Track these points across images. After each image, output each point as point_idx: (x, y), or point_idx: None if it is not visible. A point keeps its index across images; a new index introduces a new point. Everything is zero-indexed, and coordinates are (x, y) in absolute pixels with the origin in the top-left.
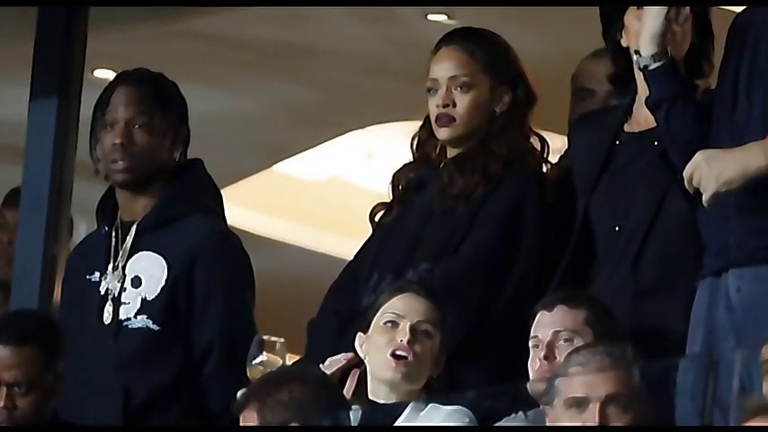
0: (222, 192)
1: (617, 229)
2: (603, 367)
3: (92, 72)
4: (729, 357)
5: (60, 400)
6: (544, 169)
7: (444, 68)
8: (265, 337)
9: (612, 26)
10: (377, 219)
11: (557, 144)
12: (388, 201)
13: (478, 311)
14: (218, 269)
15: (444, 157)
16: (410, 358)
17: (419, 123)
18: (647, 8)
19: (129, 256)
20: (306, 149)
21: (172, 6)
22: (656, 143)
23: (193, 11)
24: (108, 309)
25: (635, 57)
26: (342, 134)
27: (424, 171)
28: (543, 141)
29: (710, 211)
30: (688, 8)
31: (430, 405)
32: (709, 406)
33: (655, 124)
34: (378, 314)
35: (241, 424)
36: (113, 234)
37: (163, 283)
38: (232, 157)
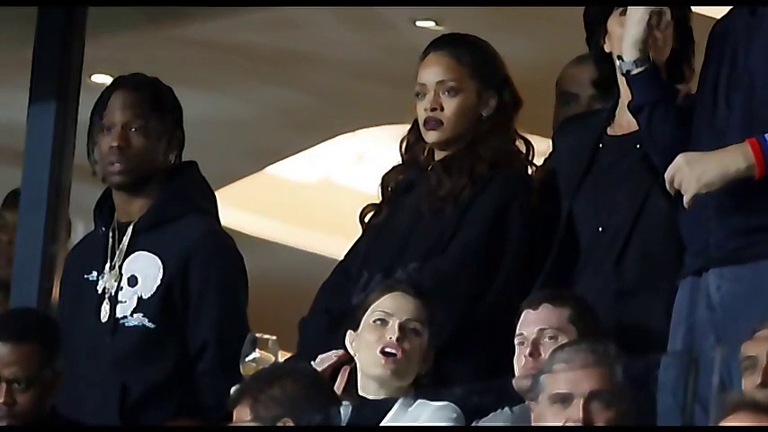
0: (216, 193)
1: (600, 229)
2: (587, 364)
3: (89, 77)
4: (710, 355)
5: (59, 396)
6: (529, 171)
7: (432, 73)
8: (258, 335)
9: (596, 32)
10: (367, 219)
11: (542, 147)
12: (378, 202)
13: (466, 310)
14: (213, 269)
15: (432, 160)
16: (399, 355)
17: (408, 127)
18: (629, 15)
19: (126, 256)
20: (297, 152)
21: (167, 13)
22: (638, 146)
23: (189, 18)
24: (105, 307)
25: (618, 62)
26: (333, 137)
27: (413, 173)
28: (528, 144)
29: (691, 213)
30: (669, 15)
31: (418, 401)
32: (689, 402)
33: (637, 128)
34: (367, 312)
35: (234, 419)
36: (110, 234)
37: (158, 282)
38: (226, 159)
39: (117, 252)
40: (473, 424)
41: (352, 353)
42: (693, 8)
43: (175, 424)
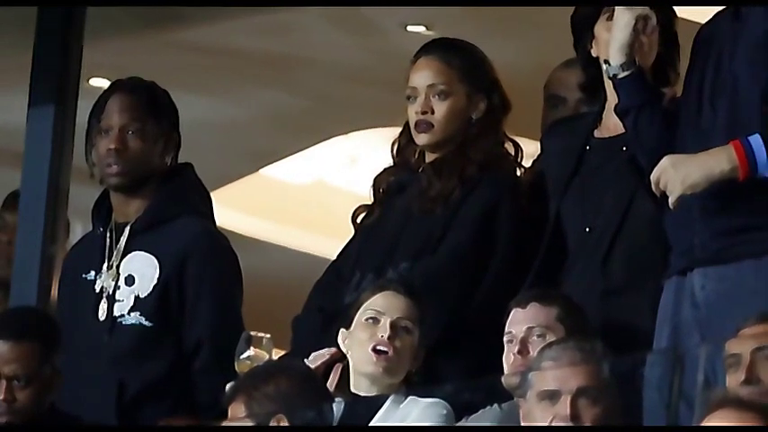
0: (211, 194)
1: (587, 229)
2: (574, 362)
3: (87, 81)
4: (694, 352)
5: (58, 393)
6: (518, 173)
7: (423, 77)
8: (252, 333)
9: (583, 37)
10: (359, 220)
11: (530, 149)
12: (370, 203)
13: (455, 308)
14: (208, 268)
15: (423, 162)
16: (390, 353)
17: (399, 129)
18: (615, 20)
19: (123, 256)
20: (291, 154)
21: (164, 17)
22: (624, 148)
23: (185, 22)
24: (103, 306)
25: (604, 66)
26: (325, 140)
27: (404, 175)
28: (517, 146)
29: (676, 214)
30: (655, 19)
31: (409, 398)
32: (674, 399)
33: (623, 130)
34: (360, 311)
35: (229, 416)
36: (108, 235)
37: (155, 281)
38: (221, 161)
39: (114, 252)
40: (462, 420)
41: (344, 350)
42: (678, 13)
43: (172, 422)
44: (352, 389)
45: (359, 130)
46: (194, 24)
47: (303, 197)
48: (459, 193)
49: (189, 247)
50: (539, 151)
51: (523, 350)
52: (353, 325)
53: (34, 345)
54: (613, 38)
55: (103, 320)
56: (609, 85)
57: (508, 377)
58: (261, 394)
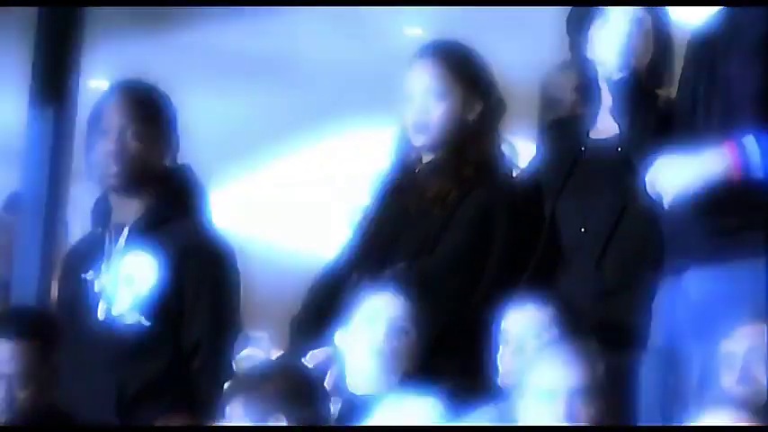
0: (210, 195)
1: (582, 230)
2: (570, 361)
3: (87, 81)
4: (689, 352)
5: (57, 393)
6: (514, 174)
7: (420, 79)
8: (251, 333)
9: (579, 39)
10: (357, 221)
11: (526, 150)
12: (368, 204)
13: (452, 309)
14: (207, 268)
15: (420, 163)
16: (387, 353)
17: (396, 131)
18: (611, 22)
19: (122, 256)
20: (290, 155)
21: (164, 18)
22: (619, 149)
23: (185, 24)
24: (102, 306)
25: (599, 68)
26: (324, 140)
27: (402, 176)
28: (513, 147)
29: (671, 214)
30: (650, 22)
31: (406, 397)
32: (670, 399)
33: (618, 132)
34: (357, 311)
35: (227, 416)
36: (107, 235)
37: (154, 281)
38: (220, 162)
39: (113, 252)
40: (458, 420)
41: (341, 350)
42: (673, 15)
43: (171, 417)
44: (350, 388)
45: (356, 131)
46: (194, 25)
47: (301, 197)
48: (455, 193)
49: (188, 247)
50: (535, 152)
51: (520, 350)
52: (350, 325)
53: (34, 344)
54: (609, 40)
55: (102, 320)
56: (604, 86)
57: (504, 377)
58: (259, 394)
